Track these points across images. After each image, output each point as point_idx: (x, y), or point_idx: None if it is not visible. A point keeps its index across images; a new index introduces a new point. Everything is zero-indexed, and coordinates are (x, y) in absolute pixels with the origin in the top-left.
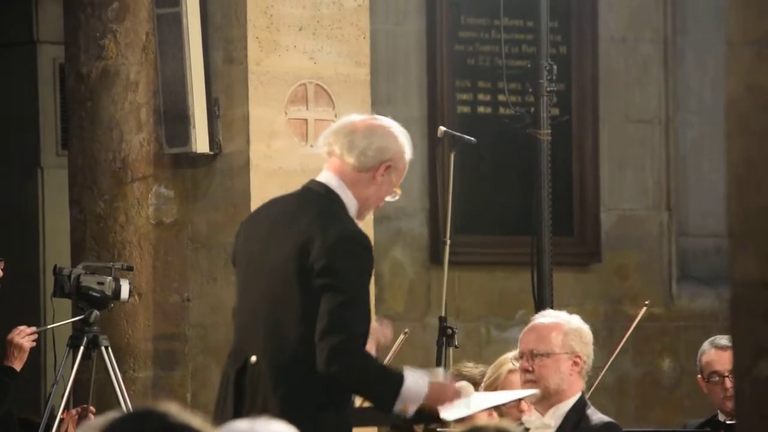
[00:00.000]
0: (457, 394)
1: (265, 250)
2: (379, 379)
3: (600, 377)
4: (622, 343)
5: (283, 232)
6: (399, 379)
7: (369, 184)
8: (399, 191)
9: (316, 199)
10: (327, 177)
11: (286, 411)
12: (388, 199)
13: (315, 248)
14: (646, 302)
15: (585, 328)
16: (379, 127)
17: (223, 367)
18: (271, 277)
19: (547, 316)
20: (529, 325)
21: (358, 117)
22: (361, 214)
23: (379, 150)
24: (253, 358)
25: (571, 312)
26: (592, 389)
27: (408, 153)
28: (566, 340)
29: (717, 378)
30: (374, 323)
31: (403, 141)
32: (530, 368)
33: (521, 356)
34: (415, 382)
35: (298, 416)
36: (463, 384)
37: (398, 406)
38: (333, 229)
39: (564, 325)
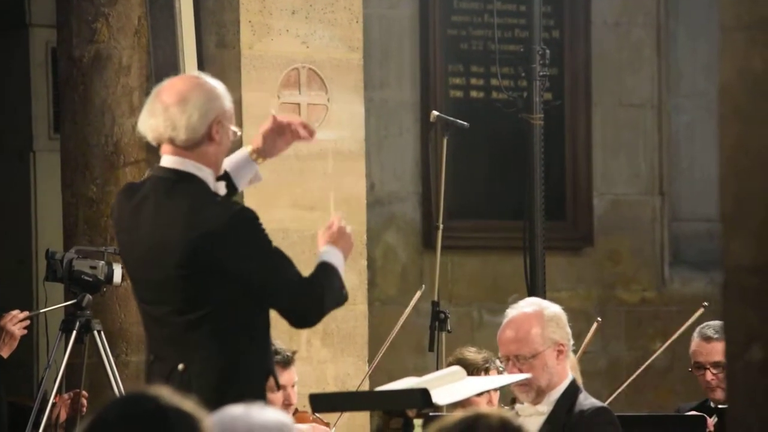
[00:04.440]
0: (343, 230)
1: (141, 257)
2: (330, 287)
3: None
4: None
5: (154, 237)
6: (331, 268)
7: (209, 146)
8: (237, 130)
9: (175, 191)
10: (172, 161)
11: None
12: (231, 139)
13: (204, 247)
14: (705, 303)
15: (558, 311)
16: (188, 92)
17: (145, 369)
18: (159, 285)
19: (516, 310)
20: (504, 324)
21: (159, 91)
22: (217, 173)
23: (202, 115)
24: (180, 366)
25: (564, 296)
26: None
27: (226, 96)
28: (545, 333)
29: (699, 369)
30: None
31: (217, 90)
32: (519, 371)
33: (506, 360)
34: (333, 255)
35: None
36: (455, 368)
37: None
38: (209, 222)
39: (538, 318)
